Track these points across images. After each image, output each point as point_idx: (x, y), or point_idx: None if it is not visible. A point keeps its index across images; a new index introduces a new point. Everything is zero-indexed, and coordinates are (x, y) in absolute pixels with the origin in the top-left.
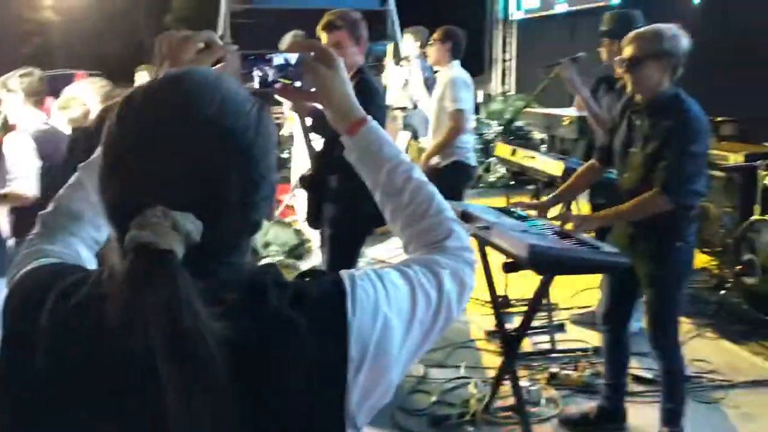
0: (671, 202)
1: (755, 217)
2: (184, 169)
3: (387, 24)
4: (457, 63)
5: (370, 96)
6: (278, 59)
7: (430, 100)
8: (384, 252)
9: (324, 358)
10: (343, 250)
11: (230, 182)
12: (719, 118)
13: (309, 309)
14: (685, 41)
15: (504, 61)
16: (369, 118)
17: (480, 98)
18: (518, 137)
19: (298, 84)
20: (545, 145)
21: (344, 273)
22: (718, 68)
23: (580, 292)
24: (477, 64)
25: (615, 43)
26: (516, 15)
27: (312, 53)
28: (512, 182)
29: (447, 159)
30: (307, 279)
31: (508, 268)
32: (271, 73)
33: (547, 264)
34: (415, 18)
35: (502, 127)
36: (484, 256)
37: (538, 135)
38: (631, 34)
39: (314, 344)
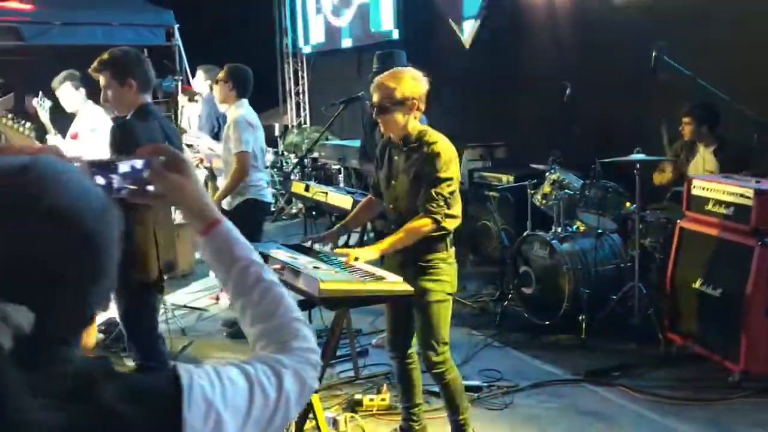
0: (434, 224)
1: (527, 232)
2: (19, 258)
3: (175, 59)
4: (244, 102)
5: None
6: (124, 166)
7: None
8: (184, 297)
9: None
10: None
11: (67, 274)
12: (494, 143)
13: (143, 404)
14: (424, 83)
15: (297, 94)
16: (223, 218)
17: (277, 131)
18: (315, 169)
19: (150, 188)
20: (342, 176)
21: (182, 368)
22: (490, 99)
23: (380, 315)
24: (272, 97)
25: None
26: (305, 49)
27: (161, 157)
28: (314, 212)
29: (240, 198)
30: (144, 372)
31: (303, 306)
32: (116, 180)
33: (337, 300)
34: (203, 53)
35: (297, 160)
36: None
37: (335, 166)
38: (376, 81)
39: None
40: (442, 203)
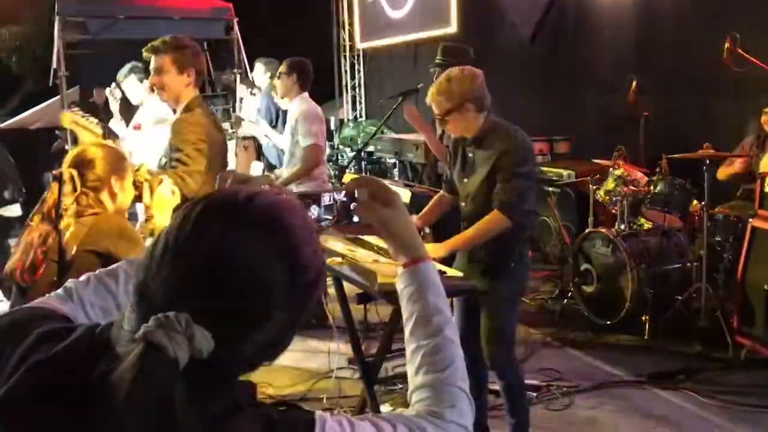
0: (509, 221)
1: (589, 229)
2: (231, 292)
3: (234, 53)
4: (305, 95)
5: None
6: (326, 199)
7: (277, 133)
8: None
9: None
10: None
11: (263, 326)
12: (554, 137)
13: None
14: (478, 78)
15: (353, 87)
16: (428, 258)
17: (332, 125)
18: (371, 162)
19: (356, 218)
20: (396, 169)
21: (318, 414)
22: (552, 92)
23: None
24: (327, 90)
25: None
26: (361, 42)
27: (366, 190)
28: None
29: (304, 188)
30: (282, 409)
31: (361, 299)
32: (316, 213)
33: (395, 293)
34: (262, 46)
35: (354, 154)
36: (339, 285)
37: (390, 160)
38: (432, 90)
39: None
40: (517, 199)
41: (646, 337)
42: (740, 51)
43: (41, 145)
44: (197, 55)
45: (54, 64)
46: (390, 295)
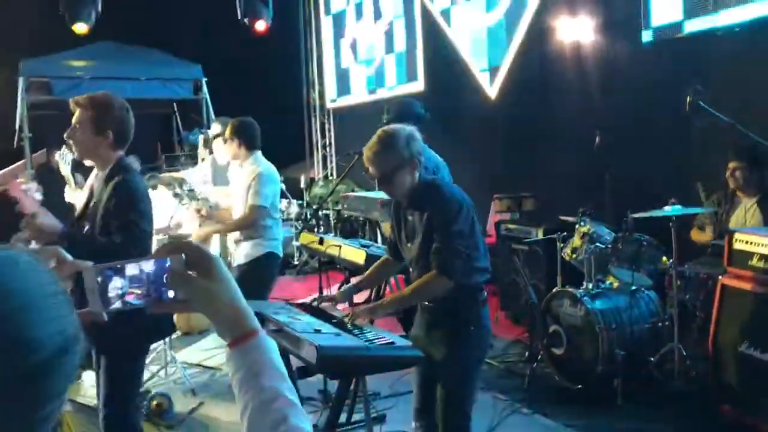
0: (449, 282)
1: (557, 288)
2: None
3: (202, 113)
4: (258, 154)
5: (130, 200)
6: (132, 269)
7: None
8: (197, 354)
9: None
10: None
11: None
12: (521, 194)
13: None
14: (417, 136)
15: (324, 146)
16: (260, 329)
17: (302, 183)
18: (341, 221)
19: (170, 294)
20: (367, 227)
21: None
22: (518, 149)
23: (400, 378)
24: (298, 150)
25: None
26: (332, 102)
27: (181, 257)
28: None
29: (261, 250)
30: None
31: (301, 373)
32: (120, 285)
33: (339, 366)
34: (230, 105)
35: (313, 212)
36: (285, 357)
37: (360, 218)
38: (366, 155)
39: None
40: (455, 258)
41: (619, 402)
42: (701, 104)
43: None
44: (122, 121)
45: (18, 123)
46: (333, 368)
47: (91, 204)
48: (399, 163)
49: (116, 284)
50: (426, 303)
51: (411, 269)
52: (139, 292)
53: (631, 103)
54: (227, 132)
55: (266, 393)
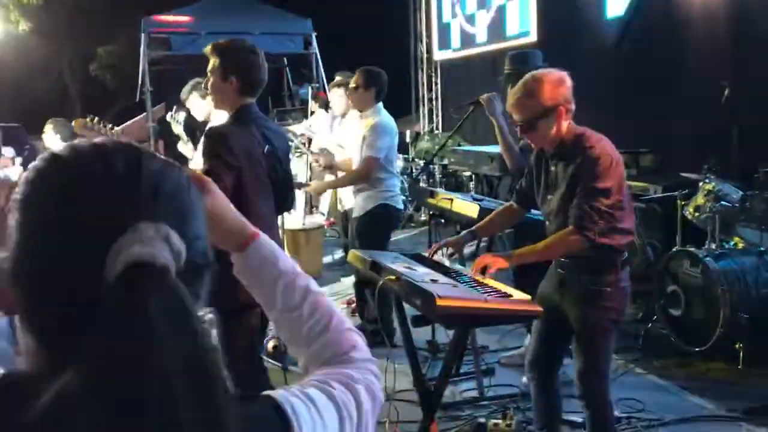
0: (585, 241)
1: (677, 247)
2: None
3: (312, 67)
4: (380, 106)
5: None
6: None
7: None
8: None
9: None
10: None
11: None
12: (639, 150)
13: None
14: (566, 83)
15: (430, 100)
16: (260, 233)
17: (408, 138)
18: (446, 175)
19: None
20: (473, 183)
21: (279, 396)
22: (637, 102)
23: (509, 332)
24: (404, 103)
25: None
26: (438, 55)
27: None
28: (442, 220)
29: (373, 203)
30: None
31: (416, 321)
32: None
33: (454, 317)
34: (339, 60)
35: (423, 165)
36: (399, 306)
37: (465, 173)
38: (512, 98)
39: None
40: (595, 217)
41: (740, 367)
42: None
43: None
44: (258, 69)
45: (140, 80)
46: (449, 318)
47: None
48: (543, 110)
49: None
50: (561, 259)
51: (548, 222)
52: None
53: (762, 53)
54: (360, 80)
55: (287, 275)
